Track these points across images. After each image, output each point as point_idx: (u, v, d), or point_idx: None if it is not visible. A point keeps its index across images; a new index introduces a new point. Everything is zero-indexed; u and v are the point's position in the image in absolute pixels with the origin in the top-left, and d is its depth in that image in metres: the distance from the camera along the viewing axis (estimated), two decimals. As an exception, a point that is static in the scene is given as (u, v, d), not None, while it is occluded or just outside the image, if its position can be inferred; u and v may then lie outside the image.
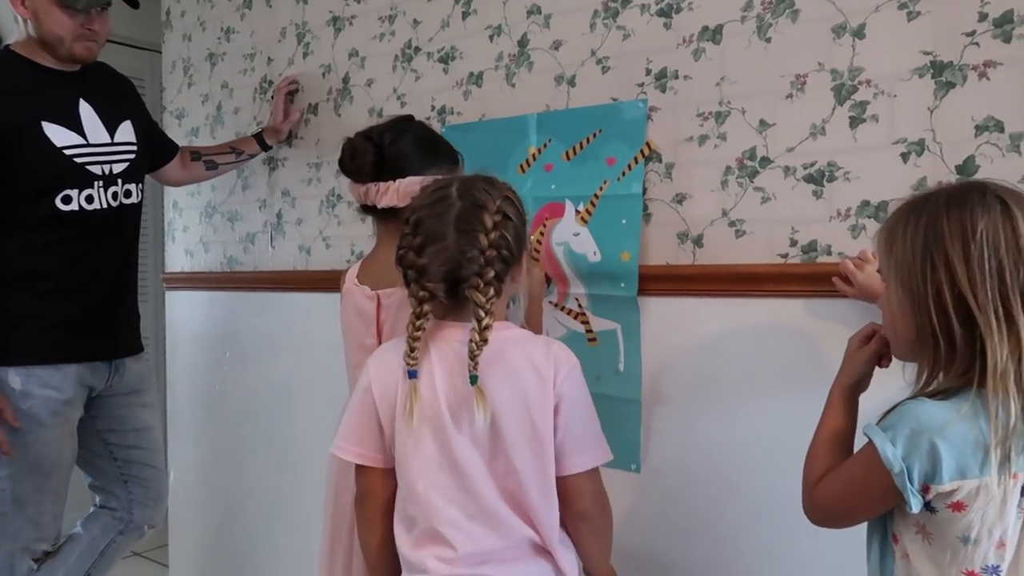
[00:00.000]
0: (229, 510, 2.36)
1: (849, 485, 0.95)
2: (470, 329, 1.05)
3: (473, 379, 1.03)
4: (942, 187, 0.93)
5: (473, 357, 1.03)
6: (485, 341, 1.03)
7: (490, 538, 1.07)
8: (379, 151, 1.37)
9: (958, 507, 0.87)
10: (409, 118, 1.47)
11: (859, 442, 0.96)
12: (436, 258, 1.04)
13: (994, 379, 0.85)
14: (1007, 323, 0.85)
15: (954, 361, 0.88)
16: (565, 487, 1.09)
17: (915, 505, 0.87)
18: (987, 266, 0.85)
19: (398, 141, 1.38)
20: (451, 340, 1.09)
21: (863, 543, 0.99)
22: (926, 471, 0.86)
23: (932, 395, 0.90)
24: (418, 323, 1.05)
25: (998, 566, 0.89)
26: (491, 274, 1.04)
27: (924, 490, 0.87)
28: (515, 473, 1.06)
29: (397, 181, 1.35)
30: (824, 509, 0.99)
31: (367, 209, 1.41)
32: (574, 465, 1.09)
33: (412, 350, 1.06)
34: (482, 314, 1.03)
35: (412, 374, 1.06)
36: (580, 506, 1.10)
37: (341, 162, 1.42)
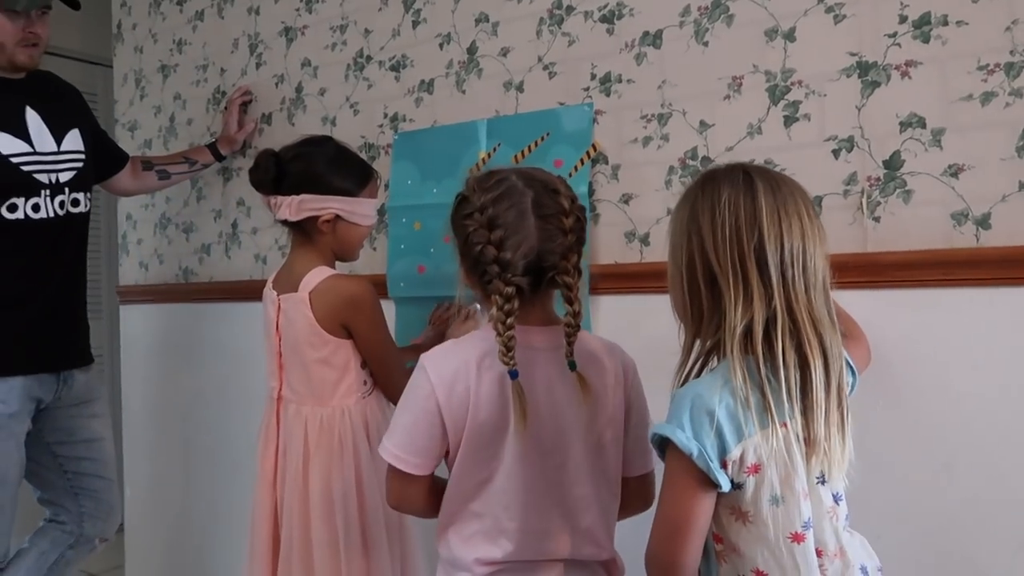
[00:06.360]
0: (186, 526, 2.32)
1: (667, 505, 0.92)
2: (550, 328, 1.03)
3: (572, 365, 1.00)
4: (708, 169, 0.99)
5: (570, 342, 1.00)
6: (579, 326, 1.01)
7: (548, 542, 1.05)
8: (279, 167, 1.45)
9: (755, 470, 0.89)
10: (324, 139, 1.53)
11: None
12: (519, 249, 0.99)
13: (731, 338, 0.89)
14: (744, 284, 0.90)
15: (703, 323, 0.94)
16: (629, 488, 1.10)
17: (724, 483, 0.88)
18: (727, 232, 0.91)
19: (300, 159, 1.45)
20: (528, 344, 1.04)
21: None
22: (716, 444, 0.88)
23: (699, 369, 0.95)
24: (508, 320, 0.99)
25: (811, 518, 0.91)
26: (575, 258, 1.02)
27: (723, 465, 0.89)
28: (583, 476, 1.05)
29: (291, 196, 1.42)
30: (659, 547, 0.92)
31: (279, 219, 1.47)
32: (643, 466, 1.10)
33: (508, 350, 0.98)
34: (573, 297, 1.00)
35: (514, 374, 0.99)
36: (638, 505, 1.12)
37: (249, 172, 1.50)
